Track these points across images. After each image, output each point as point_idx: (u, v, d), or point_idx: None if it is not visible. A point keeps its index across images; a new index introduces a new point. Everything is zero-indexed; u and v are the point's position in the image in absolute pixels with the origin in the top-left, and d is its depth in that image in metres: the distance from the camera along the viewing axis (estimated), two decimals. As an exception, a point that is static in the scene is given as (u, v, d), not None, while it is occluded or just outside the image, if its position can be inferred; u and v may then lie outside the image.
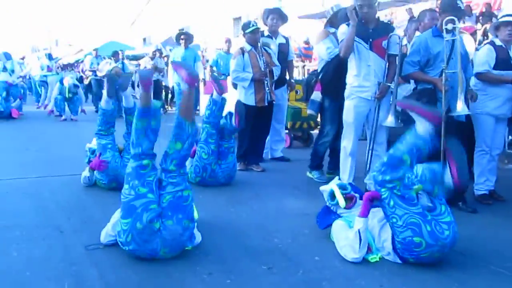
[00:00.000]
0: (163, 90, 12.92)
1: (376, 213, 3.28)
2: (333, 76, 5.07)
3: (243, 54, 5.69)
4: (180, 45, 9.68)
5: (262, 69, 5.71)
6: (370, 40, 4.46)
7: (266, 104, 5.78)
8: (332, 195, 3.63)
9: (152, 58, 12.79)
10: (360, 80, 4.50)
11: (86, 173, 4.94)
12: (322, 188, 3.82)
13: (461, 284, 2.87)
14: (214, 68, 9.95)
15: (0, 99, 11.78)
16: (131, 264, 3.03)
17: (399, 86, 4.77)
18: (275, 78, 5.96)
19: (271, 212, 4.24)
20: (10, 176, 5.40)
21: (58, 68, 31.33)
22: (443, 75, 4.18)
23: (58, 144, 7.83)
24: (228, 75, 9.79)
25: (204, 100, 9.50)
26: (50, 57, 15.18)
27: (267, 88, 5.72)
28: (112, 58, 12.78)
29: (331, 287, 2.80)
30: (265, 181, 5.42)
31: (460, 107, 4.10)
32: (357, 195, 3.64)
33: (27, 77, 17.32)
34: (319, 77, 5.39)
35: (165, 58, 13.43)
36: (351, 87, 4.56)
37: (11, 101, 12.16)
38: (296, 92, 7.90)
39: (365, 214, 3.15)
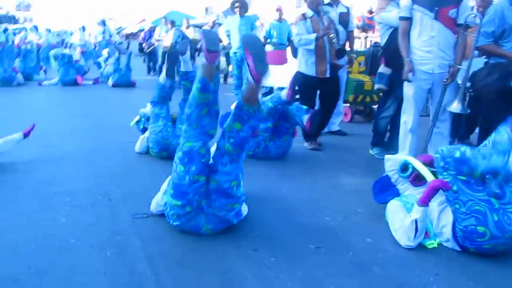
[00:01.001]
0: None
1: (437, 195, 3.03)
2: (397, 46, 4.74)
3: (305, 20, 5.34)
4: (235, 13, 9.46)
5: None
6: (436, 8, 4.06)
7: (328, 75, 5.36)
8: (404, 167, 3.31)
9: (212, 27, 12.66)
10: (422, 51, 4.15)
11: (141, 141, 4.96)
12: (389, 156, 3.53)
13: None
14: (268, 40, 9.71)
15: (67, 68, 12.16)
16: (174, 236, 2.96)
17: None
18: (341, 42, 5.56)
19: (323, 188, 4.05)
20: (67, 142, 5.49)
21: (122, 37, 32.06)
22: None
23: (118, 111, 7.90)
24: (283, 44, 9.63)
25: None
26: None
27: (330, 55, 5.29)
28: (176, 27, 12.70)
29: (382, 272, 2.61)
30: (320, 156, 5.22)
31: None
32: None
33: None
34: (383, 48, 5.07)
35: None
36: (412, 59, 4.23)
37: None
38: (359, 64, 7.58)
39: (426, 202, 2.88)
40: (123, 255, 2.71)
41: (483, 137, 4.22)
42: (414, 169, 3.23)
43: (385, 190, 3.49)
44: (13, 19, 44.83)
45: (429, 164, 3.11)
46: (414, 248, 2.89)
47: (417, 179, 3.25)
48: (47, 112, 7.86)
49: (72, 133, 6.02)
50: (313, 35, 5.17)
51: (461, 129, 5.93)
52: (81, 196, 3.66)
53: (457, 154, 2.81)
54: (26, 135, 4.64)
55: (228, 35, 9.75)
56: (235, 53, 9.25)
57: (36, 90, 11.45)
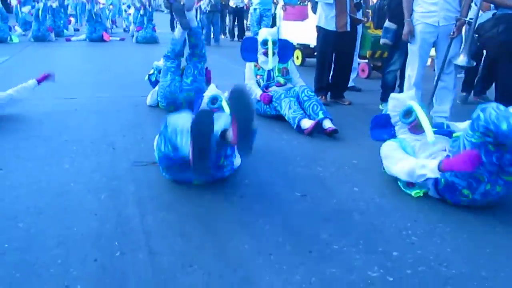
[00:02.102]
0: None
1: (427, 147, 3.04)
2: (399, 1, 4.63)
3: None
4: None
5: None
6: None
7: (349, 29, 5.28)
8: (407, 113, 3.23)
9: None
10: (427, 4, 4.08)
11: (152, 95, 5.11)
12: (395, 95, 3.45)
13: (507, 225, 2.64)
14: None
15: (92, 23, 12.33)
16: (167, 183, 3.09)
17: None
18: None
19: (323, 141, 4.11)
20: (84, 95, 5.69)
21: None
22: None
23: (137, 67, 8.05)
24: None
25: (284, 26, 9.26)
26: None
27: (350, 8, 5.22)
28: None
29: (361, 218, 2.69)
30: (328, 110, 5.23)
31: None
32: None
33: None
34: (387, 3, 4.98)
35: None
36: (416, 12, 4.16)
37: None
38: (378, 18, 7.44)
39: (448, 170, 2.71)
40: (115, 198, 2.87)
41: (500, 92, 4.15)
42: (416, 117, 3.17)
43: (382, 127, 3.47)
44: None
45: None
46: (397, 198, 2.95)
47: (416, 128, 3.19)
48: (71, 66, 8.10)
49: (90, 86, 6.22)
50: None
51: (478, 85, 5.84)
52: (87, 145, 3.84)
53: (504, 127, 2.37)
54: (40, 81, 4.83)
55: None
56: (254, 9, 9.21)
57: (64, 45, 11.71)
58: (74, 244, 2.33)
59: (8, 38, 11.81)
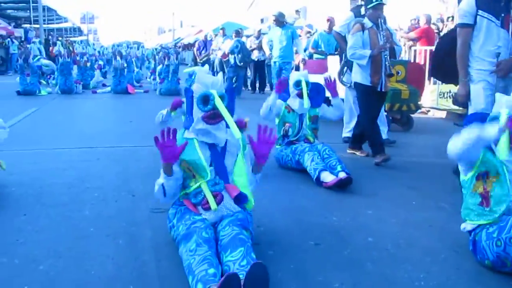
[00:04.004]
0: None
1: None
2: (444, 56, 4.41)
3: (363, 31, 5.15)
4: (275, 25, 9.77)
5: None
6: (502, 15, 3.82)
7: (383, 90, 5.19)
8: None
9: (257, 37, 12.93)
10: (487, 62, 3.94)
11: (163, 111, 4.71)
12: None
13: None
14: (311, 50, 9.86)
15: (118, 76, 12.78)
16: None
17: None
18: (397, 58, 5.45)
19: (340, 191, 4.11)
20: (107, 144, 5.89)
21: (179, 48, 33.06)
22: None
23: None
24: (329, 54, 9.74)
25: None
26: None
27: (385, 70, 5.08)
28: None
29: (374, 268, 2.70)
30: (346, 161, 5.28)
31: None
32: None
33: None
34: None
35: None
36: (477, 70, 3.99)
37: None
38: (397, 73, 7.57)
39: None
40: (132, 243, 2.95)
41: None
42: None
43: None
44: (78, 31, 47.20)
45: None
46: (411, 249, 2.95)
47: None
48: (95, 117, 8.38)
49: (112, 136, 6.43)
50: (368, 52, 5.03)
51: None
52: (108, 192, 3.97)
53: None
54: None
55: (271, 46, 10.01)
56: (274, 62, 9.49)
57: (90, 97, 12.12)
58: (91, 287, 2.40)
59: (37, 91, 12.28)
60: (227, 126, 2.78)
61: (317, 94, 4.93)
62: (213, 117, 2.79)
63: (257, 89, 13.49)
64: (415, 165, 5.18)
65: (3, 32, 24.23)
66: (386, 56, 5.09)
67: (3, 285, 2.41)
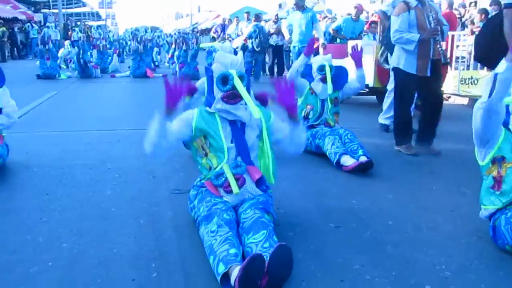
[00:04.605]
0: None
1: None
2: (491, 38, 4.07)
3: (408, 12, 4.67)
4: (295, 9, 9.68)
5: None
6: None
7: (429, 74, 4.72)
8: None
9: (276, 22, 12.83)
10: None
11: None
12: None
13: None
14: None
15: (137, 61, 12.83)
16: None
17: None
18: (444, 39, 5.02)
19: (360, 176, 4.08)
20: (126, 127, 5.93)
21: (197, 32, 32.99)
22: None
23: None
24: (350, 38, 9.62)
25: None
26: None
27: (433, 51, 4.68)
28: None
29: (394, 251, 2.69)
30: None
31: None
32: None
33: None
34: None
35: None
36: None
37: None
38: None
39: None
40: (154, 223, 2.97)
41: None
42: None
43: None
44: (96, 16, 47.41)
45: None
46: (433, 233, 2.93)
47: None
48: (114, 101, 8.45)
49: (132, 119, 6.46)
50: (417, 36, 4.61)
51: None
52: (129, 173, 4.00)
53: None
54: None
55: (291, 30, 9.94)
56: (294, 46, 9.42)
57: (109, 81, 12.21)
58: (114, 265, 2.44)
59: (57, 75, 12.41)
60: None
61: (339, 77, 4.82)
62: (233, 97, 2.78)
63: (275, 74, 13.43)
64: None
65: (23, 17, 24.45)
66: (438, 40, 4.71)
67: (28, 261, 2.45)
